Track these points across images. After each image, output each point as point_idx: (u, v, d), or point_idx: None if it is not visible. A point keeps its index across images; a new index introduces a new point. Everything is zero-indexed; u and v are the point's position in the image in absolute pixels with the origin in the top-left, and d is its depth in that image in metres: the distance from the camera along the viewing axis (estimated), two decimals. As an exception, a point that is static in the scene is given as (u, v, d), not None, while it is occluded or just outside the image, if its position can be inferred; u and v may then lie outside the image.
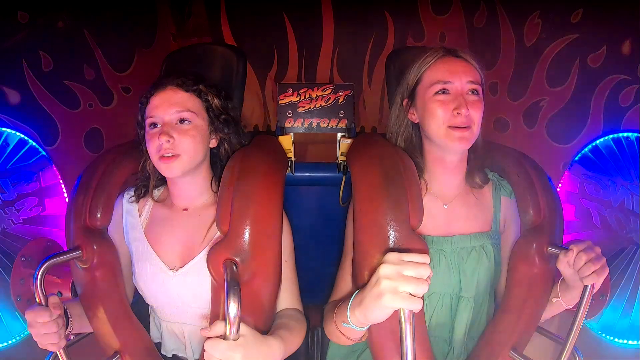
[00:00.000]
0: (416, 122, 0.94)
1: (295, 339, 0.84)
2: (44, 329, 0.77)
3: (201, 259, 0.88)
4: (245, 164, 0.86)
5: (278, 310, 0.91)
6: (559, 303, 0.88)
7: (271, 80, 1.99)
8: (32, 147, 1.68)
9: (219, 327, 0.70)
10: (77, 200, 0.91)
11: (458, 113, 0.84)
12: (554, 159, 1.83)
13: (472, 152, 0.93)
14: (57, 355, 0.81)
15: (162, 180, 0.98)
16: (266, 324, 0.82)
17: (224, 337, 0.67)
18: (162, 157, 0.85)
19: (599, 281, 0.77)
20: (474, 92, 0.86)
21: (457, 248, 0.90)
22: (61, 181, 1.73)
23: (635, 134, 1.65)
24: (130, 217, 0.96)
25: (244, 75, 1.13)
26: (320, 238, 1.15)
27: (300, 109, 1.29)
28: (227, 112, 0.95)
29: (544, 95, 1.91)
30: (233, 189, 0.81)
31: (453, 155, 0.90)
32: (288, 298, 0.92)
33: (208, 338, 0.68)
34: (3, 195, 1.60)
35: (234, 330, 0.67)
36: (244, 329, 0.70)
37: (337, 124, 1.29)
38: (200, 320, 0.90)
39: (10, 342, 1.55)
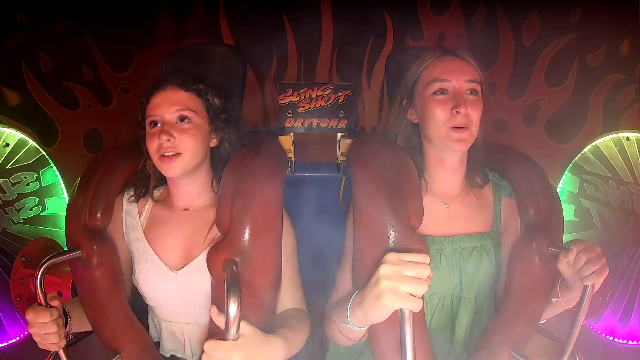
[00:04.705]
0: (415, 122, 0.93)
1: (298, 339, 0.83)
2: (44, 328, 0.77)
3: (202, 259, 0.88)
4: (245, 164, 0.86)
5: (281, 310, 0.91)
6: (559, 303, 0.88)
7: (270, 81, 1.99)
8: (32, 147, 1.68)
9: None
10: (77, 200, 0.91)
11: (457, 112, 0.83)
12: (553, 159, 1.83)
13: (472, 152, 0.93)
14: (57, 355, 0.81)
15: (162, 180, 0.98)
16: (266, 324, 0.82)
17: (223, 337, 0.67)
18: (162, 156, 0.85)
19: (599, 281, 0.77)
20: (472, 92, 0.86)
21: (458, 248, 0.90)
22: (61, 181, 1.73)
23: (635, 134, 1.65)
24: (130, 217, 0.96)
25: (243, 75, 1.13)
26: (320, 238, 1.15)
27: (300, 109, 1.30)
28: (227, 111, 0.95)
29: (543, 95, 1.91)
30: (233, 189, 0.81)
31: (452, 156, 0.90)
32: (292, 298, 0.91)
33: (207, 338, 0.68)
34: (3, 195, 1.60)
35: (233, 330, 0.67)
36: (246, 328, 0.70)
37: (337, 124, 1.29)
38: (200, 321, 0.90)
39: (10, 342, 1.55)
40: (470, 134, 0.85)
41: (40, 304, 0.78)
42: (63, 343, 0.80)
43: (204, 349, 0.67)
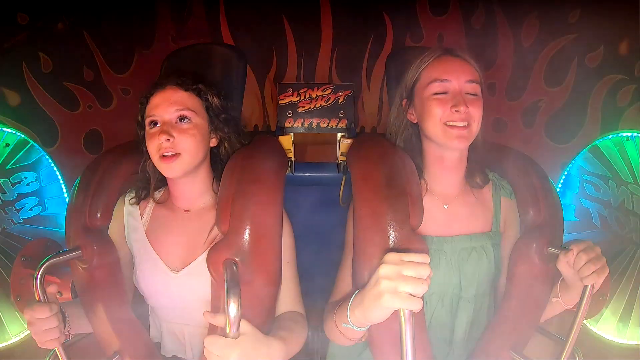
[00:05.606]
0: (415, 122, 0.94)
1: (296, 342, 0.84)
2: (44, 324, 0.77)
3: (202, 260, 0.88)
4: (245, 164, 0.86)
5: (280, 313, 0.91)
6: (559, 303, 0.88)
7: (270, 81, 2.00)
8: (32, 147, 1.68)
9: (221, 318, 0.71)
10: (77, 200, 0.91)
11: (457, 110, 0.83)
12: (553, 159, 1.84)
13: (472, 152, 0.93)
14: (57, 355, 0.81)
15: (163, 182, 0.98)
16: (266, 324, 0.82)
17: (224, 334, 0.68)
18: (162, 156, 0.85)
19: (599, 281, 0.77)
20: (472, 92, 0.86)
21: (457, 248, 0.90)
22: (61, 181, 1.73)
23: (635, 133, 1.65)
24: (131, 218, 0.96)
25: (243, 75, 1.13)
26: (320, 238, 1.15)
27: (300, 109, 1.29)
28: (227, 111, 0.95)
29: (542, 95, 1.92)
30: (233, 189, 0.81)
31: (452, 154, 0.90)
32: (290, 300, 0.92)
33: (208, 334, 0.69)
34: (3, 195, 1.60)
35: (234, 330, 0.67)
36: (246, 327, 0.71)
37: (337, 124, 1.29)
38: (200, 322, 0.90)
39: (10, 342, 1.55)
40: (469, 131, 0.85)
41: (38, 301, 0.78)
42: (63, 338, 0.80)
43: (204, 344, 0.68)
